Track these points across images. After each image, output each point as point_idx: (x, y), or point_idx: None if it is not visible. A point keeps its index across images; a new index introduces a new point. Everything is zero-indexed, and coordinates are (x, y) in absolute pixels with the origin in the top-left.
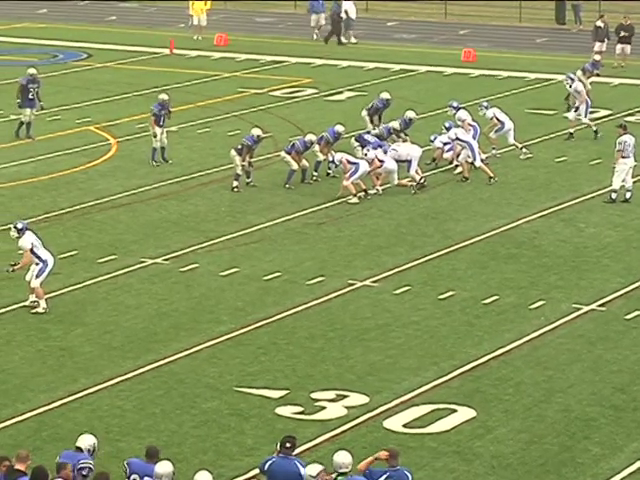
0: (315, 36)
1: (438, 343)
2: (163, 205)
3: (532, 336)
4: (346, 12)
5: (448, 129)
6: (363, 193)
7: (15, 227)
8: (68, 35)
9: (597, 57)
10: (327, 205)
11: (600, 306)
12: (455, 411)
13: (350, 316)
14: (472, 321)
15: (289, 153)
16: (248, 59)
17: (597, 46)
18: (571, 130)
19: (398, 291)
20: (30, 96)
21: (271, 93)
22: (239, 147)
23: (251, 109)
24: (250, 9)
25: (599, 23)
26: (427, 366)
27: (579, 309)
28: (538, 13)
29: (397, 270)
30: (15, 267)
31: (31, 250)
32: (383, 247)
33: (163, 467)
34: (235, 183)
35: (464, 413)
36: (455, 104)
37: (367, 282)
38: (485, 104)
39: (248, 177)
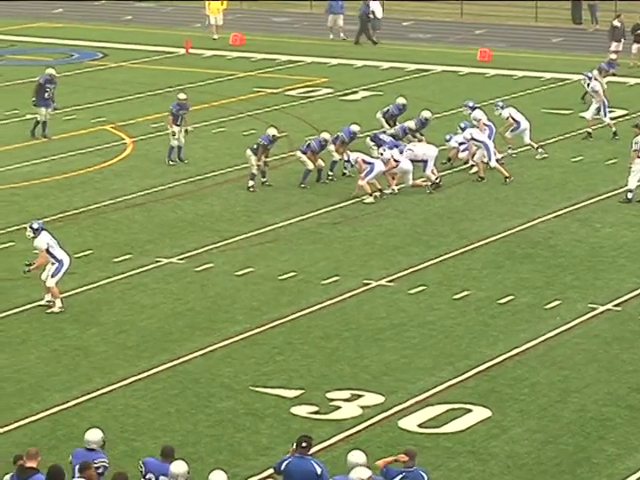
0: (332, 36)
1: (453, 343)
2: (178, 205)
3: (548, 336)
4: (373, 12)
5: (463, 129)
6: (379, 193)
7: (31, 227)
8: (84, 35)
9: (613, 56)
10: (342, 205)
11: (616, 306)
12: (470, 411)
13: (365, 316)
14: (487, 321)
15: (305, 153)
16: (264, 59)
17: (613, 46)
18: (589, 130)
19: (413, 291)
20: (46, 96)
21: (287, 93)
22: (254, 147)
23: (266, 109)
24: (266, 9)
25: (616, 23)
26: (442, 366)
27: (595, 309)
28: (554, 13)
29: (412, 270)
30: (31, 267)
31: (47, 250)
32: (398, 247)
33: (178, 467)
34: (251, 183)
35: (479, 413)
36: (471, 104)
37: (382, 282)
38: (501, 104)
39: (263, 177)
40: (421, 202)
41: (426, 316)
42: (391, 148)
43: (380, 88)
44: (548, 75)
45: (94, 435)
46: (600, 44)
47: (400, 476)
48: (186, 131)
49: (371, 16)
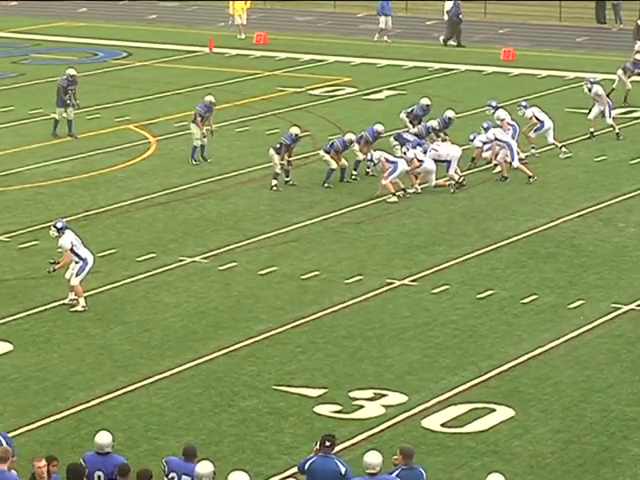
0: (386, 38)
1: (477, 342)
2: (202, 204)
3: (571, 336)
4: (447, 12)
5: (486, 129)
6: (402, 192)
7: (55, 226)
8: (108, 34)
9: (638, 56)
10: (366, 204)
11: (639, 306)
12: (494, 410)
13: (388, 315)
14: (511, 320)
15: (328, 152)
16: (287, 58)
17: (638, 45)
18: (592, 129)
19: (436, 290)
20: (66, 97)
21: (310, 92)
22: (277, 146)
23: (290, 108)
24: (290, 8)
25: None
26: (465, 365)
27: (618, 309)
28: (578, 12)
29: (436, 269)
30: (55, 266)
31: (71, 249)
32: (422, 246)
33: (204, 467)
34: (274, 182)
35: (502, 413)
36: (494, 103)
37: (405, 281)
38: (524, 104)
39: (287, 176)
40: (445, 201)
41: (449, 315)
42: (414, 147)
43: (403, 87)
44: (572, 75)
45: (106, 438)
46: (624, 43)
47: (397, 471)
48: (211, 132)
49: (461, 17)
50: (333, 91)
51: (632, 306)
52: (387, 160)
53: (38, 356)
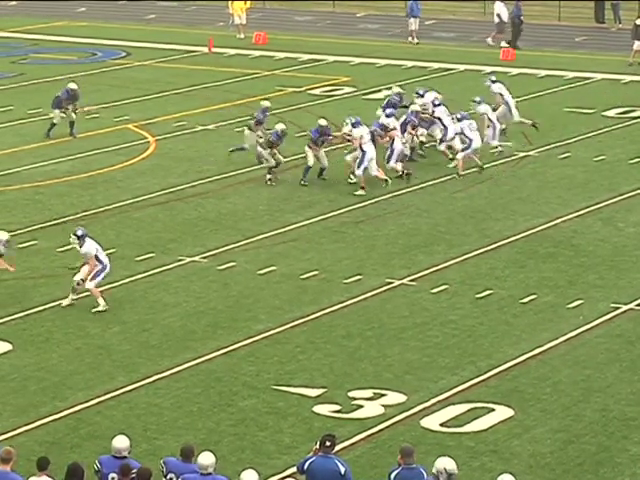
0: (410, 39)
1: (476, 342)
2: (201, 204)
3: (570, 335)
4: (499, 15)
5: (460, 119)
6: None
7: (75, 234)
8: (107, 33)
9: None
10: (365, 204)
11: (639, 306)
12: (493, 410)
13: (387, 315)
14: (510, 320)
15: (311, 147)
16: (287, 57)
17: (636, 45)
18: (527, 122)
19: (436, 290)
20: (62, 105)
21: (309, 91)
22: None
23: (289, 107)
24: (289, 8)
25: (638, 22)
26: (464, 365)
27: (617, 308)
28: (577, 12)
29: (435, 269)
30: (83, 279)
31: (95, 255)
32: (421, 246)
33: (208, 458)
34: (268, 176)
35: (502, 412)
36: (478, 99)
37: (405, 281)
38: (478, 99)
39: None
40: (444, 201)
41: (448, 315)
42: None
43: (403, 87)
44: (571, 74)
45: (123, 442)
46: (623, 43)
47: (397, 471)
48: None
49: (522, 19)
50: (332, 91)
51: (631, 306)
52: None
53: (37, 356)
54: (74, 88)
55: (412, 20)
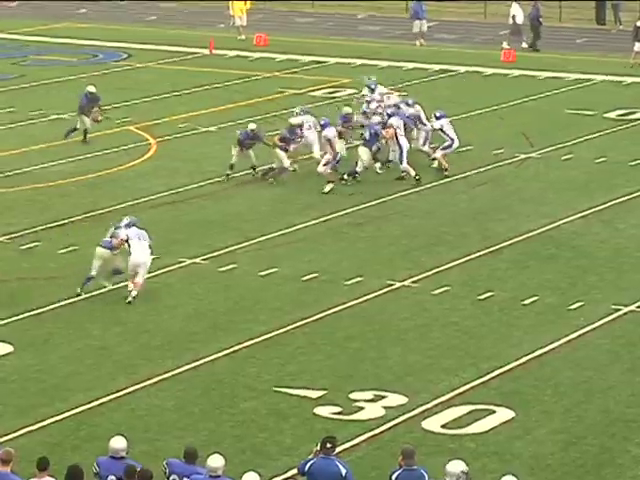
0: (418, 43)
1: (477, 344)
2: (203, 205)
3: (571, 337)
4: (514, 17)
5: (439, 118)
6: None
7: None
8: (108, 35)
9: None
10: (367, 205)
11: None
12: (494, 412)
13: (389, 316)
14: (511, 322)
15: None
16: (288, 59)
17: (637, 46)
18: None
19: (437, 291)
20: (86, 110)
21: (311, 93)
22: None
23: (291, 109)
24: (290, 9)
25: (639, 23)
26: (466, 367)
27: (619, 310)
28: (578, 13)
29: (436, 270)
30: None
31: (126, 241)
32: (423, 247)
33: (217, 460)
34: (228, 171)
35: (503, 414)
36: (438, 113)
37: (406, 282)
38: (438, 114)
39: (254, 169)
40: (446, 202)
41: (450, 317)
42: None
43: (405, 89)
44: (572, 76)
45: (121, 442)
46: (624, 44)
47: (399, 472)
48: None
49: (541, 20)
50: (333, 93)
51: (632, 307)
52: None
53: (38, 357)
54: (92, 91)
55: (417, 22)
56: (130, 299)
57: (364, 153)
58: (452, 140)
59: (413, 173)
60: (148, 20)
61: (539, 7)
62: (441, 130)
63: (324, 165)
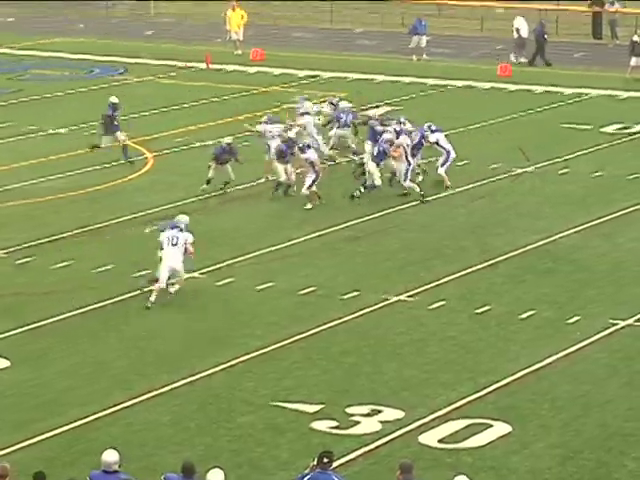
0: (415, 58)
1: (474, 358)
2: (199, 219)
3: (569, 351)
4: (518, 30)
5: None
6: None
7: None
8: (105, 49)
9: None
10: (364, 219)
11: (638, 321)
12: (491, 426)
13: (385, 331)
14: (509, 336)
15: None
16: (284, 73)
17: (633, 61)
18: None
19: (434, 306)
20: (115, 123)
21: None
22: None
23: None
24: (287, 24)
25: (635, 38)
26: (463, 381)
27: (616, 324)
28: (575, 28)
29: (433, 285)
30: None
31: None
32: (420, 261)
33: (217, 475)
34: (203, 186)
35: (500, 428)
36: (433, 127)
37: (402, 297)
38: (433, 127)
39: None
40: (444, 216)
41: (447, 331)
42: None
43: (400, 103)
44: (569, 90)
45: (113, 456)
46: (620, 59)
47: None
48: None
49: (546, 37)
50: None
51: (630, 321)
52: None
53: (34, 372)
54: (116, 102)
55: (415, 37)
56: (149, 304)
57: (374, 169)
58: (448, 152)
59: (418, 190)
60: (145, 35)
61: (544, 23)
62: (437, 143)
63: (308, 188)
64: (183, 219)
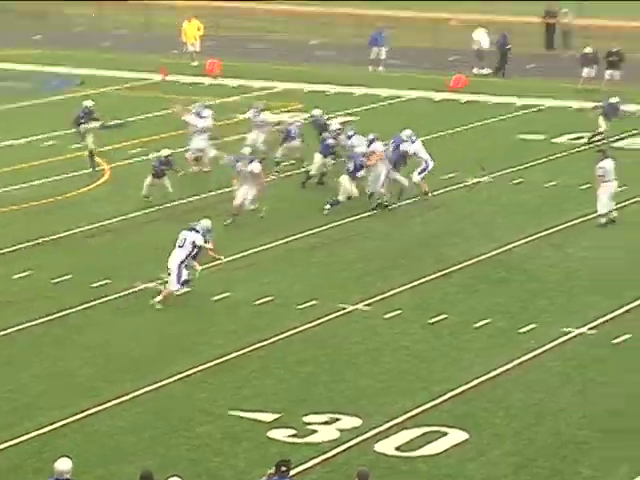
0: (371, 69)
1: (429, 367)
2: (156, 230)
3: (522, 359)
4: (478, 42)
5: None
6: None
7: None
8: (62, 61)
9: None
10: (321, 229)
11: (590, 329)
12: (446, 434)
13: (341, 340)
14: (462, 345)
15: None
16: (240, 85)
17: (585, 72)
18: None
19: (389, 315)
20: (81, 128)
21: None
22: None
23: (243, 134)
24: (243, 35)
25: (587, 49)
26: (418, 390)
27: (569, 332)
28: (528, 39)
29: (389, 294)
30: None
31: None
32: (377, 271)
33: None
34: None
35: (455, 436)
36: (410, 134)
37: (359, 306)
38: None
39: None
40: (402, 226)
41: (401, 340)
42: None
43: (355, 114)
44: (522, 101)
45: (65, 464)
46: (573, 70)
47: None
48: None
49: (509, 47)
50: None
51: (583, 330)
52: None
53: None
54: (88, 105)
55: (375, 49)
56: (153, 303)
57: (347, 182)
58: (426, 161)
59: (385, 198)
60: (102, 46)
61: (506, 35)
62: (415, 154)
63: (251, 203)
64: (203, 223)
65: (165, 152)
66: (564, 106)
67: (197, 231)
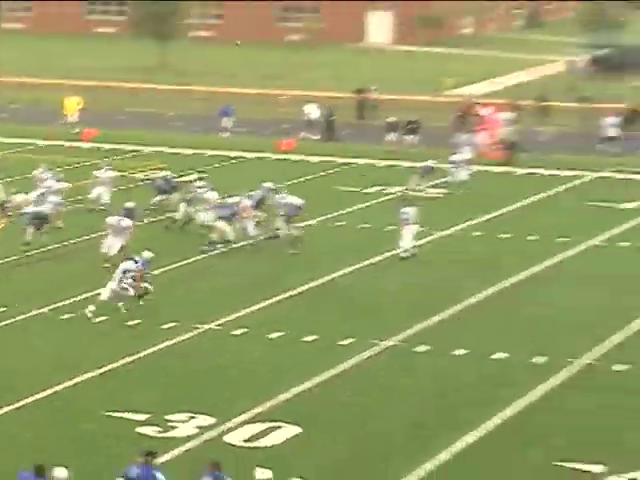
0: (227, 134)
1: (268, 375)
2: (46, 266)
3: (344, 368)
4: (308, 114)
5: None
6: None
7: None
8: None
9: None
10: (184, 262)
11: (402, 342)
12: (281, 427)
13: (199, 355)
14: (296, 356)
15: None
16: (113, 148)
17: (389, 137)
18: None
19: (238, 332)
20: None
21: (132, 175)
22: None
23: (115, 189)
24: (113, 109)
25: (390, 119)
26: (259, 395)
27: (379, 345)
28: (342, 111)
29: (238, 315)
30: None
31: None
32: (235, 295)
33: (61, 472)
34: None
35: (291, 430)
36: (268, 186)
37: (212, 325)
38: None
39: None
40: (246, 263)
41: (246, 354)
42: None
43: (207, 171)
44: (340, 160)
45: (63, 473)
46: (379, 135)
47: (207, 478)
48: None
49: (333, 118)
50: (151, 174)
51: (393, 342)
52: None
53: None
54: None
55: (225, 119)
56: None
57: (225, 227)
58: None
59: (231, 237)
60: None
61: (331, 108)
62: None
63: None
64: (145, 255)
65: (129, 204)
66: (372, 164)
67: (136, 262)
